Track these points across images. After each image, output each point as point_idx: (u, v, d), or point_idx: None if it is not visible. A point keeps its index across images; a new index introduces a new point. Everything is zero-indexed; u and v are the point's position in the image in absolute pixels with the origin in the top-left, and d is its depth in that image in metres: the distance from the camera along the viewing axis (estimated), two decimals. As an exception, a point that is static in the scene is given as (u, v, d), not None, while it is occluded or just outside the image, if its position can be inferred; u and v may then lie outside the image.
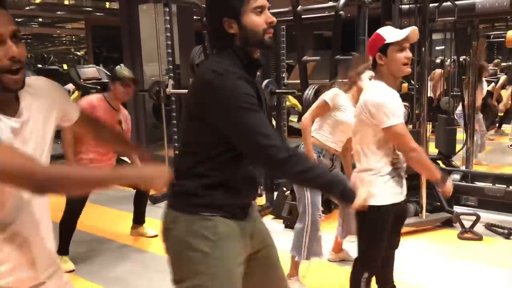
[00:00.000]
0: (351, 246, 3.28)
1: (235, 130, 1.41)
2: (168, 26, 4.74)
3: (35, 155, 1.22)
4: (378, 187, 2.13)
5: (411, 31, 2.06)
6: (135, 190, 3.72)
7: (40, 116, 1.29)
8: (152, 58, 6.09)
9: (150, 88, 5.30)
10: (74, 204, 3.31)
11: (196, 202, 1.48)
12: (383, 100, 2.05)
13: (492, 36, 9.56)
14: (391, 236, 2.30)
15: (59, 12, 11.76)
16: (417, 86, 4.02)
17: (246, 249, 1.58)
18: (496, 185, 4.11)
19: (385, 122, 2.04)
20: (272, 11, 1.52)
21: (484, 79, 6.10)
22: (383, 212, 2.14)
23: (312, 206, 2.83)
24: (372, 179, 2.14)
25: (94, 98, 3.40)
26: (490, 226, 3.86)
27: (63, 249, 3.32)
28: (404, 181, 2.23)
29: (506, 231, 3.73)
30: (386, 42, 2.06)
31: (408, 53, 2.07)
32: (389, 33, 2.09)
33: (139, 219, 3.93)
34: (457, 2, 3.58)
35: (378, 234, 2.20)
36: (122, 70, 3.38)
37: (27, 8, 10.51)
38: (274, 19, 1.48)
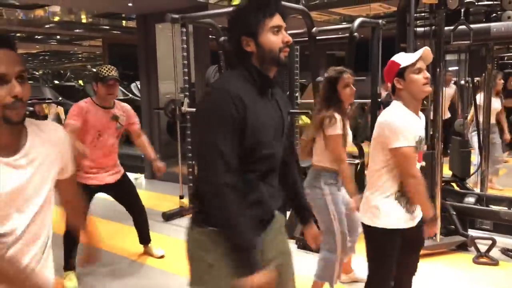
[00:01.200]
0: (360, 266, 3.26)
1: (199, 141, 1.51)
2: (185, 45, 4.82)
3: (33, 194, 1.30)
4: (384, 210, 2.13)
5: (424, 51, 2.09)
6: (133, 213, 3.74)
7: (46, 162, 1.35)
8: (168, 76, 6.17)
9: (166, 106, 5.37)
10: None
11: (206, 218, 1.55)
12: (397, 121, 2.07)
13: (506, 58, 9.53)
14: (408, 261, 2.28)
15: (77, 30, 12.01)
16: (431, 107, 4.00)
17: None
18: (512, 209, 4.05)
19: (393, 143, 2.05)
20: (287, 32, 1.58)
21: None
22: (389, 235, 2.13)
23: (342, 233, 2.80)
24: (378, 200, 2.15)
25: (81, 102, 3.32)
26: (506, 251, 3.79)
27: (66, 264, 3.29)
28: (418, 207, 2.21)
29: (522, 256, 3.67)
30: (401, 66, 2.09)
31: (426, 73, 2.09)
32: (403, 58, 2.13)
33: (143, 240, 3.91)
34: (472, 26, 3.60)
35: (385, 256, 2.19)
36: (103, 69, 3.24)
37: (47, 26, 10.75)
38: (290, 39, 1.55)
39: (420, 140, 2.12)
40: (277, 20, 1.53)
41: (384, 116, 2.14)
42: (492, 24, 3.73)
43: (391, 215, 2.13)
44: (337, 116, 2.79)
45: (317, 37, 4.49)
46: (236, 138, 1.46)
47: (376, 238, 2.17)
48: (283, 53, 1.54)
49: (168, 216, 4.86)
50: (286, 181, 1.81)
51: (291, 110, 4.55)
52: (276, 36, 1.52)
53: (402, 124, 2.06)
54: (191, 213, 1.68)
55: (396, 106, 2.14)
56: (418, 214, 2.22)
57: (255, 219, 1.57)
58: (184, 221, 4.80)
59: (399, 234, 2.14)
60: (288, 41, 1.54)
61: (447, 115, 7.04)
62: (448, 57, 6.96)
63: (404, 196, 2.15)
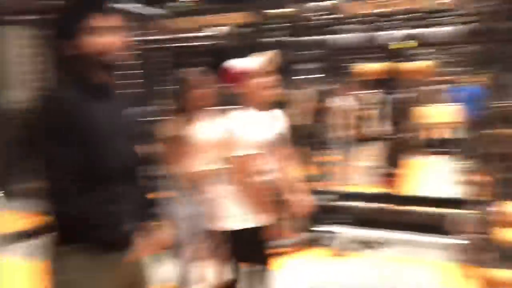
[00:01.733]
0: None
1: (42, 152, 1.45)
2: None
3: None
4: (226, 211, 2.24)
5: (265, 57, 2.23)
6: None
7: None
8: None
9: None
10: None
11: (68, 235, 1.44)
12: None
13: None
14: (258, 256, 2.33)
15: None
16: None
17: (113, 281, 1.51)
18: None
19: None
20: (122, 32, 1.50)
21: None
22: (235, 236, 2.23)
23: (181, 234, 2.77)
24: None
25: None
26: (350, 242, 4.14)
27: None
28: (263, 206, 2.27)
29: (368, 245, 4.09)
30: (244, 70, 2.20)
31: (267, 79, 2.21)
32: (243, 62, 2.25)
33: None
34: (316, 38, 3.92)
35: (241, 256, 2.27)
36: None
37: None
38: (116, 40, 1.48)
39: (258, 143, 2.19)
40: (100, 20, 1.45)
41: None
42: (336, 36, 4.09)
43: (231, 216, 2.23)
44: (171, 118, 2.81)
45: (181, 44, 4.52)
46: (71, 143, 1.39)
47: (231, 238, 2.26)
48: (110, 55, 1.46)
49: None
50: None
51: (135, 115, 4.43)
52: (98, 37, 1.44)
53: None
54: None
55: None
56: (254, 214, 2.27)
57: (104, 241, 1.46)
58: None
59: (242, 234, 2.23)
60: (113, 42, 1.47)
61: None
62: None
63: (240, 197, 2.22)
